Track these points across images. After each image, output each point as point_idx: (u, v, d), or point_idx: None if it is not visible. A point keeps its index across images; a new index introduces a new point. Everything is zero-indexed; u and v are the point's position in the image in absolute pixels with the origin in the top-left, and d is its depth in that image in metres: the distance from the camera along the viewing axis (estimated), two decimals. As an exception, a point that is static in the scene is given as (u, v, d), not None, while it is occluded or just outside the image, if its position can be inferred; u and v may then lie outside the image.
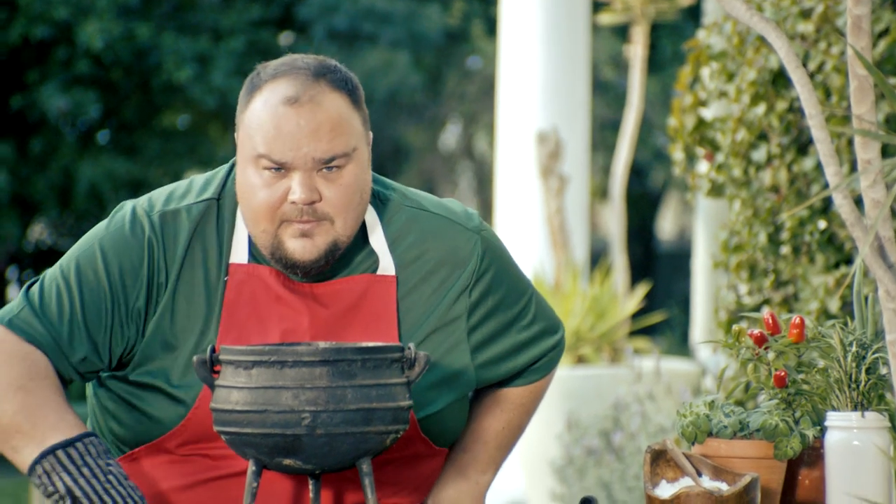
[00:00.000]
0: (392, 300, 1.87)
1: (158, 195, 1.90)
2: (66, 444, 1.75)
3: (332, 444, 1.68)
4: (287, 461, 1.70)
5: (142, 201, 1.89)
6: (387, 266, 1.88)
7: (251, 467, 1.71)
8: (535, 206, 5.90)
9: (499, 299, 1.93)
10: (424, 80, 11.51)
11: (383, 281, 1.87)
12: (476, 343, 1.91)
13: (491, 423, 1.97)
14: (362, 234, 1.89)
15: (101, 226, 1.88)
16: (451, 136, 14.29)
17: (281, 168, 1.82)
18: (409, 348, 1.74)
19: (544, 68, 5.97)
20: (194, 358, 1.74)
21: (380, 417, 1.70)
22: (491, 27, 11.19)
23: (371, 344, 1.74)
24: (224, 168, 1.93)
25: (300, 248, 1.82)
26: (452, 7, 11.66)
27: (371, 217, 1.90)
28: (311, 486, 1.77)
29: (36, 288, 1.85)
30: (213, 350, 1.74)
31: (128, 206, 1.89)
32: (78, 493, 1.72)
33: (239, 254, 1.86)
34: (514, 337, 1.94)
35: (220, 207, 1.88)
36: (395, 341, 1.86)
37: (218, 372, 1.74)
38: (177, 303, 1.84)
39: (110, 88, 9.76)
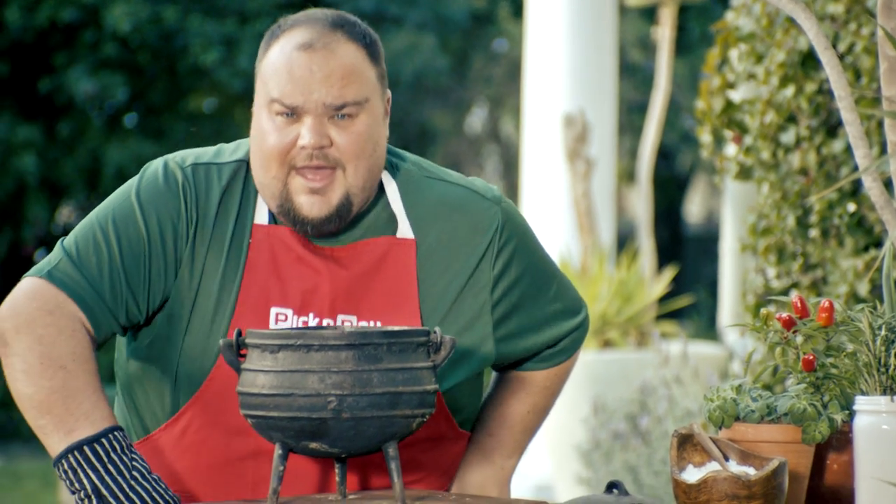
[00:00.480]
0: (412, 264, 1.87)
1: (189, 153, 1.90)
2: (93, 440, 1.75)
3: (358, 427, 1.68)
4: (313, 445, 1.70)
5: (173, 156, 1.89)
6: (405, 230, 1.88)
7: (277, 451, 1.72)
8: (562, 190, 5.89)
9: (521, 271, 1.92)
10: (450, 62, 11.48)
11: (402, 244, 1.87)
12: (498, 317, 1.90)
13: (516, 406, 1.96)
14: (380, 197, 1.89)
15: (132, 181, 1.88)
16: (477, 119, 14.27)
17: (292, 113, 1.82)
18: (434, 332, 1.74)
19: (571, 51, 5.94)
20: (220, 341, 1.74)
21: (406, 401, 1.70)
22: (517, 9, 11.15)
23: (397, 328, 1.74)
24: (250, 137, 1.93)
25: (309, 203, 1.82)
26: (479, -11, 11.62)
27: (389, 182, 1.89)
28: (336, 470, 1.78)
29: (72, 241, 1.83)
30: (240, 333, 1.74)
31: (158, 161, 1.89)
32: (104, 491, 1.73)
33: (261, 215, 1.86)
34: (535, 311, 1.94)
35: (248, 170, 1.88)
36: (415, 306, 1.85)
37: (244, 355, 1.74)
38: (208, 256, 1.84)
39: (137, 72, 9.79)
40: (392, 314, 1.86)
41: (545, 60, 5.98)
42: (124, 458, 1.75)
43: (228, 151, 1.90)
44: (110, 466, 1.74)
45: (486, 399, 1.99)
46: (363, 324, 1.85)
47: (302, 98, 1.82)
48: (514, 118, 13.14)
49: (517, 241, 1.93)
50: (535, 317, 1.94)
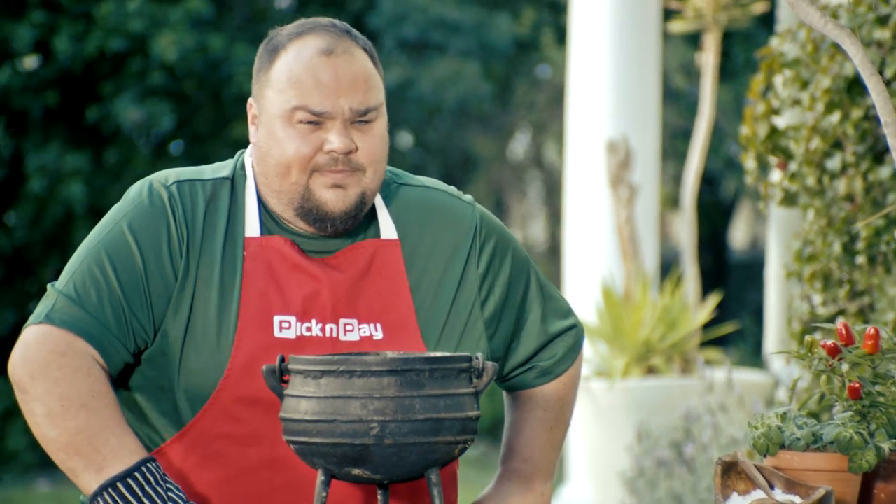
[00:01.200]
0: (399, 264, 1.88)
1: (171, 171, 1.91)
2: (125, 475, 1.75)
3: (400, 454, 1.68)
4: (355, 471, 1.70)
5: (155, 176, 1.90)
6: (388, 231, 1.90)
7: (320, 477, 1.72)
8: (605, 216, 5.87)
9: (503, 268, 1.94)
10: (493, 89, 11.50)
11: (387, 245, 1.89)
12: (488, 316, 1.91)
13: (541, 426, 1.96)
14: None
15: (117, 208, 1.88)
16: (519, 145, 14.27)
17: (316, 121, 1.83)
18: (476, 358, 1.74)
19: (614, 77, 5.94)
20: (263, 367, 1.75)
21: (448, 428, 1.69)
22: (561, 36, 11.16)
23: (439, 354, 1.74)
24: (233, 158, 1.94)
25: (333, 197, 1.83)
26: (522, 16, 11.65)
27: None
28: (379, 497, 1.78)
29: (67, 281, 1.83)
30: (283, 359, 1.75)
31: (141, 183, 1.89)
32: None
33: (251, 228, 1.86)
34: (523, 309, 1.95)
35: (234, 187, 1.88)
36: (410, 306, 1.87)
37: (287, 381, 1.75)
38: (200, 270, 1.84)
39: (183, 100, 9.89)
40: (388, 316, 1.87)
41: (588, 86, 5.98)
42: (159, 489, 1.75)
43: (210, 170, 1.91)
44: (145, 500, 1.74)
45: (508, 427, 1.99)
46: (364, 326, 1.86)
47: (329, 103, 1.83)
48: (556, 144, 13.13)
49: (496, 239, 1.95)
50: (524, 315, 1.95)
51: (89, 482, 1.76)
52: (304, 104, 1.82)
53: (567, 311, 1.99)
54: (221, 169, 1.91)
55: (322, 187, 1.83)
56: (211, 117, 10.15)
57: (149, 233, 1.84)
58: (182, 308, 1.83)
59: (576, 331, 1.99)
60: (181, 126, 10.17)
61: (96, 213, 9.82)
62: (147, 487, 1.75)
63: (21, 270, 9.97)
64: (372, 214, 1.91)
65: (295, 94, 1.83)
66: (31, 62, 9.51)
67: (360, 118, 1.84)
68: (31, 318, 1.82)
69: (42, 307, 1.83)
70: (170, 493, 1.75)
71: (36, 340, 1.79)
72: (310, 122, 1.83)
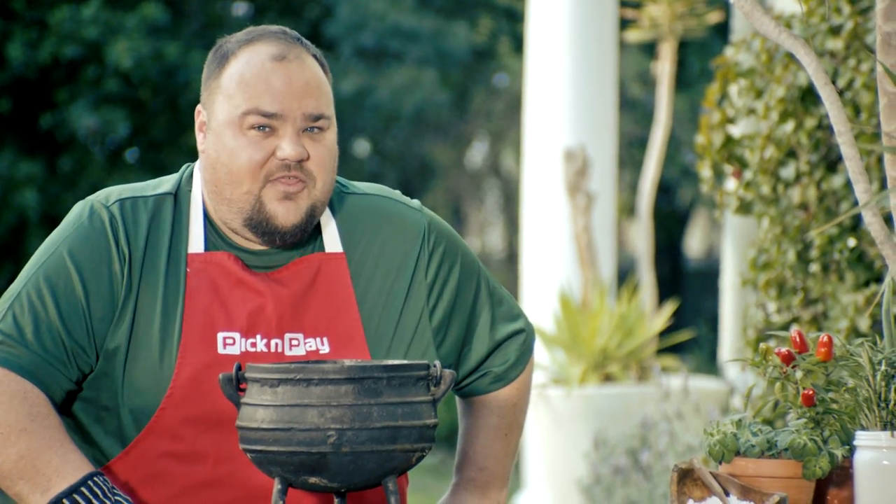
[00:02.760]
0: (345, 277, 1.87)
1: (112, 190, 1.89)
2: (71, 491, 1.73)
3: (357, 462, 1.67)
4: (313, 479, 1.69)
5: (96, 196, 1.88)
6: (333, 244, 1.88)
7: (277, 486, 1.71)
8: (562, 224, 5.89)
9: (451, 274, 1.93)
10: (451, 97, 11.52)
11: (332, 259, 1.87)
12: (436, 324, 1.91)
13: (495, 433, 1.96)
14: None
15: (58, 230, 1.86)
16: (477, 153, 14.29)
17: (266, 127, 1.81)
18: (434, 366, 1.74)
19: (571, 85, 5.96)
20: (220, 375, 1.73)
21: (405, 435, 1.69)
22: (518, 44, 11.20)
23: (397, 362, 1.74)
24: (173, 175, 1.92)
25: (283, 210, 1.82)
26: (480, 24, 11.68)
27: None
28: (336, 505, 1.77)
29: (6, 311, 1.80)
30: (239, 367, 1.74)
31: (82, 205, 1.87)
32: None
33: (195, 244, 1.85)
34: (473, 315, 1.94)
35: (177, 202, 1.87)
36: (356, 319, 1.86)
37: (243, 390, 1.74)
38: (142, 287, 1.82)
39: (139, 107, 9.82)
40: (335, 329, 1.85)
41: (546, 95, 6.00)
42: (107, 501, 1.73)
43: (151, 186, 1.90)
44: None
45: (462, 434, 1.99)
46: (310, 340, 1.84)
47: (281, 107, 1.81)
48: (514, 152, 13.17)
49: (445, 244, 1.94)
50: (474, 320, 1.94)
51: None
52: (255, 106, 1.80)
53: (517, 314, 1.99)
54: (163, 184, 1.89)
55: (273, 199, 1.82)
56: (166, 125, 10.09)
57: (89, 256, 1.82)
58: (123, 327, 1.81)
59: (526, 334, 1.99)
60: (136, 133, 10.10)
61: (50, 221, 9.74)
62: (95, 501, 1.73)
63: (-26, 278, 9.86)
64: (317, 227, 1.89)
65: (245, 97, 1.81)
66: (-16, 68, 9.41)
67: (313, 124, 1.83)
68: None
69: None
70: (117, 499, 1.73)
71: None
72: (261, 128, 1.81)
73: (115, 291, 1.81)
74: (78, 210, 1.86)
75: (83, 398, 1.85)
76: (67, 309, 1.80)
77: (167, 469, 1.82)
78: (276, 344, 1.83)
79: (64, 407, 1.86)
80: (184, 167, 1.93)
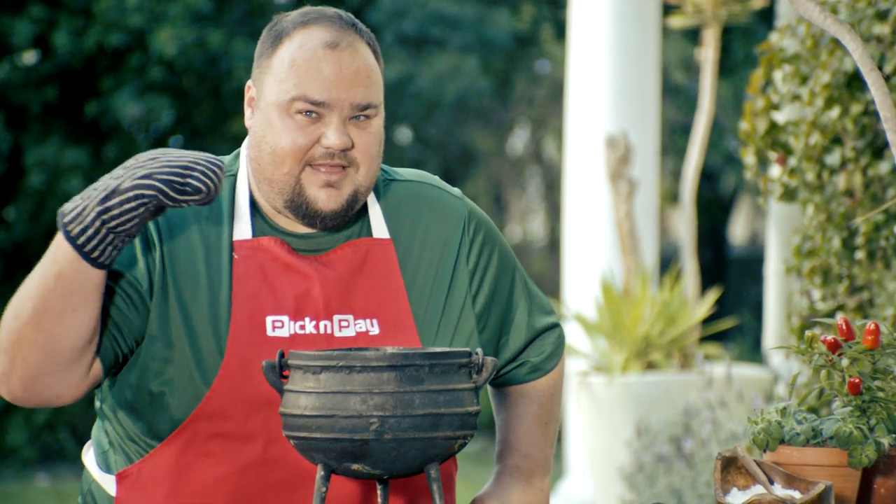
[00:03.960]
0: (393, 262, 1.88)
1: None
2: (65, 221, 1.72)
3: (399, 449, 1.68)
4: (355, 466, 1.70)
5: None
6: (380, 229, 1.89)
7: (320, 472, 1.72)
8: (604, 211, 5.87)
9: (491, 261, 1.94)
10: (493, 84, 11.50)
11: (380, 244, 1.88)
12: (479, 310, 1.92)
13: (537, 423, 1.97)
14: None
15: None
16: (519, 140, 14.27)
17: (313, 113, 1.81)
18: (476, 353, 1.74)
19: (614, 72, 5.94)
20: (263, 363, 1.74)
21: (447, 423, 1.69)
22: (560, 31, 11.16)
23: (439, 349, 1.74)
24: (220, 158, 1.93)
25: (325, 196, 1.83)
26: (522, 11, 11.64)
27: None
28: (379, 492, 1.78)
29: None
30: (282, 354, 1.75)
31: None
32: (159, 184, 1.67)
33: (242, 231, 1.85)
34: (510, 304, 1.95)
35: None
36: (406, 303, 1.86)
37: (286, 377, 1.75)
38: (180, 284, 1.82)
39: (182, 95, 9.88)
40: (384, 313, 1.86)
41: (588, 81, 5.98)
42: (120, 170, 1.73)
43: None
44: (112, 179, 1.71)
45: (502, 424, 1.99)
46: (360, 322, 1.85)
47: (329, 96, 1.81)
48: (556, 139, 13.13)
49: (485, 232, 1.95)
50: (511, 310, 1.96)
51: (54, 251, 1.72)
52: (303, 94, 1.81)
53: (550, 310, 2.01)
54: None
55: (314, 185, 1.83)
56: (210, 112, 10.15)
57: (122, 264, 1.82)
58: (168, 313, 1.82)
59: (560, 329, 2.01)
60: (180, 121, 10.17)
61: (95, 209, 9.82)
62: (81, 201, 1.70)
63: (20, 265, 9.97)
64: (363, 211, 1.90)
65: (295, 83, 1.81)
66: (30, 57, 9.50)
67: (360, 113, 1.83)
68: None
69: None
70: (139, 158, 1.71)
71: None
72: (308, 114, 1.82)
73: (151, 271, 1.82)
74: None
75: (132, 383, 1.86)
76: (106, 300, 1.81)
77: (217, 449, 1.83)
78: (325, 325, 1.84)
79: (115, 391, 1.88)
80: (233, 154, 1.93)
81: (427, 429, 1.68)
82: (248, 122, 1.89)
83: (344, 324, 1.84)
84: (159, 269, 1.83)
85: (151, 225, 1.84)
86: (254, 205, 1.88)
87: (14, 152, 9.55)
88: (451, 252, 1.91)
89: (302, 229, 1.88)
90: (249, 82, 1.89)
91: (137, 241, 1.83)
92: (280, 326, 1.83)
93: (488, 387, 2.01)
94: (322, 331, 1.84)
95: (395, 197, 1.92)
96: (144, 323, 1.82)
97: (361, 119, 1.84)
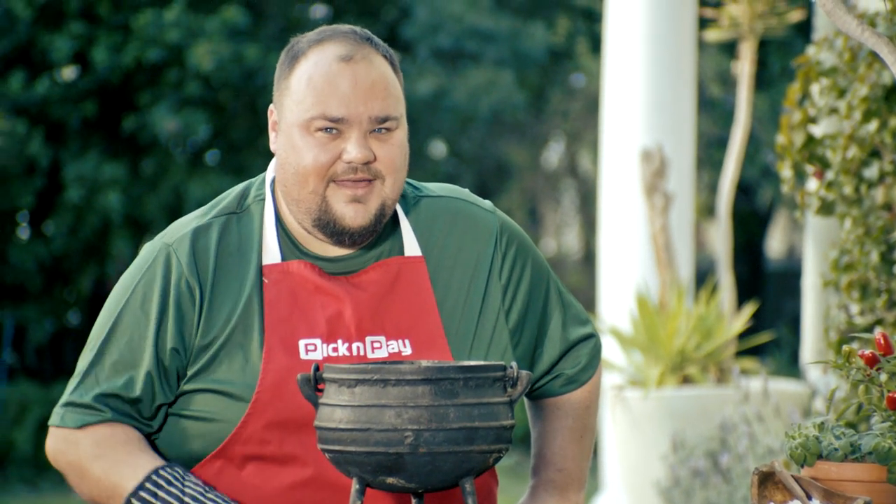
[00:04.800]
0: (425, 280, 1.87)
1: (176, 225, 1.91)
2: (138, 489, 1.78)
3: (434, 462, 1.68)
4: (390, 480, 1.70)
5: (164, 235, 1.90)
6: (412, 247, 1.88)
7: (354, 486, 1.72)
8: (640, 225, 5.85)
9: (524, 275, 1.93)
10: (528, 98, 11.50)
11: (412, 262, 1.88)
12: (512, 325, 1.91)
13: (572, 436, 1.96)
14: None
15: (129, 274, 1.89)
16: (554, 154, 14.26)
17: (334, 129, 1.81)
18: (511, 367, 1.73)
19: (649, 85, 5.92)
20: (299, 376, 1.75)
21: (482, 437, 1.69)
22: (596, 45, 11.15)
23: (474, 363, 1.74)
24: (243, 183, 1.94)
25: (351, 213, 1.82)
26: (557, 25, 11.64)
27: None
28: (413, 505, 1.78)
29: (88, 367, 1.85)
30: (317, 368, 1.75)
31: (150, 245, 1.90)
32: None
33: (270, 255, 1.86)
34: (545, 316, 1.94)
35: (242, 217, 1.88)
36: (437, 321, 1.86)
37: (322, 390, 1.75)
38: (216, 311, 1.84)
39: (219, 109, 9.94)
40: (417, 331, 1.86)
41: (623, 95, 5.97)
42: (173, 489, 1.77)
43: (208, 208, 1.91)
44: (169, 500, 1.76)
45: (537, 437, 1.98)
46: (392, 343, 1.85)
47: (347, 110, 1.81)
48: (591, 153, 13.11)
49: (517, 245, 1.94)
50: (546, 323, 1.94)
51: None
52: (322, 112, 1.81)
53: (585, 320, 1.99)
54: (225, 200, 1.91)
55: (340, 201, 1.83)
56: (246, 127, 10.20)
57: (159, 299, 1.85)
58: (206, 348, 1.84)
59: (595, 339, 1.99)
60: (217, 136, 10.23)
61: (133, 223, 9.91)
62: (160, 492, 1.77)
63: (59, 279, 10.05)
64: (394, 229, 1.90)
65: (313, 101, 1.82)
66: (69, 73, 9.59)
67: (380, 126, 1.83)
68: (53, 415, 1.87)
69: (62, 401, 1.87)
70: (186, 489, 1.76)
71: (54, 450, 1.87)
72: (328, 130, 1.82)
73: (190, 322, 1.84)
74: (147, 252, 1.89)
75: (168, 412, 1.88)
76: (138, 364, 1.84)
77: (256, 472, 1.84)
78: (358, 347, 1.84)
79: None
80: (260, 177, 1.94)
81: (462, 442, 1.68)
82: (272, 146, 1.90)
83: (376, 345, 1.84)
84: (203, 316, 1.85)
85: (195, 273, 1.85)
86: (283, 229, 1.88)
87: (53, 167, 9.64)
88: (483, 267, 1.90)
89: (332, 252, 1.87)
90: (271, 106, 1.90)
91: (178, 303, 1.84)
92: (313, 350, 1.83)
93: (525, 399, 2.00)
94: (355, 353, 1.84)
95: (426, 213, 1.91)
96: (186, 363, 1.85)
97: (382, 132, 1.83)
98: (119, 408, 1.84)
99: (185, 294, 1.84)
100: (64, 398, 1.87)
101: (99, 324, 1.88)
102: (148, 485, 1.77)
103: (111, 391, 1.84)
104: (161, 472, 1.78)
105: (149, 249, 1.90)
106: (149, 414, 1.85)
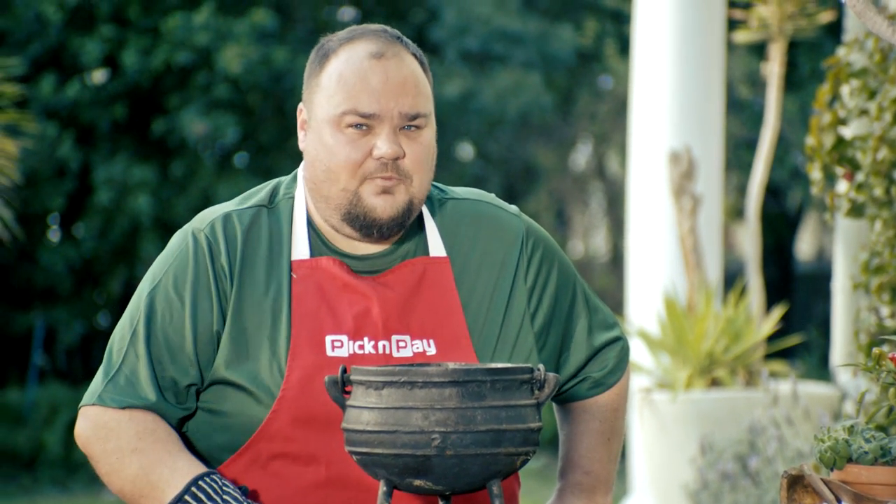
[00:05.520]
0: (450, 281, 1.87)
1: (208, 213, 1.91)
2: (178, 499, 1.77)
3: (462, 465, 1.68)
4: (417, 482, 1.70)
5: (193, 222, 1.91)
6: (437, 248, 1.89)
7: (382, 488, 1.72)
8: (668, 227, 5.83)
9: (550, 278, 1.93)
10: (556, 100, 11.49)
11: (437, 263, 1.88)
12: (538, 329, 1.90)
13: (599, 439, 1.95)
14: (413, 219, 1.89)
15: (161, 259, 1.89)
16: (581, 156, 14.23)
17: (364, 125, 1.82)
18: (538, 369, 1.73)
19: (677, 87, 5.90)
20: (326, 378, 1.75)
21: (510, 439, 1.69)
22: (624, 46, 11.12)
23: (501, 365, 1.74)
24: (273, 180, 1.95)
25: (381, 204, 1.83)
26: (585, 27, 11.62)
27: None
28: (441, 507, 1.77)
29: (118, 348, 1.85)
30: (345, 370, 1.75)
31: (181, 232, 1.90)
32: None
33: (300, 251, 1.86)
34: (570, 321, 1.94)
35: (272, 212, 1.89)
36: (462, 322, 1.86)
37: (349, 392, 1.75)
38: (245, 301, 1.84)
39: (247, 112, 9.98)
40: (441, 332, 1.86)
41: (651, 97, 5.95)
42: (215, 498, 1.76)
43: (246, 198, 1.92)
44: None
45: (564, 440, 1.98)
46: (417, 342, 1.86)
47: (378, 106, 1.82)
48: (619, 155, 13.08)
49: (543, 249, 1.94)
50: (571, 327, 1.94)
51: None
52: (353, 107, 1.82)
53: (612, 323, 1.98)
54: (257, 194, 1.92)
55: (370, 194, 1.83)
56: (275, 129, 10.23)
57: (192, 285, 1.85)
58: (234, 338, 1.84)
59: (623, 342, 1.99)
60: (245, 138, 10.26)
61: (162, 225, 9.96)
62: (205, 502, 1.76)
63: (89, 281, 10.11)
64: (420, 230, 1.90)
65: (344, 97, 1.82)
66: (99, 76, 9.65)
67: (409, 123, 1.84)
68: (87, 394, 1.86)
69: (95, 384, 1.86)
70: (225, 499, 1.76)
71: (86, 428, 1.85)
72: (358, 127, 1.83)
73: (223, 309, 1.85)
74: (178, 239, 1.90)
75: (199, 406, 1.89)
76: (175, 347, 1.85)
77: (280, 471, 1.84)
78: (384, 346, 1.84)
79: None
80: (290, 175, 1.95)
81: (489, 445, 1.68)
82: (301, 145, 1.90)
83: (402, 344, 1.85)
84: (231, 301, 1.85)
85: (225, 256, 1.85)
86: (312, 226, 1.89)
87: (83, 170, 9.70)
88: (508, 271, 1.90)
89: (360, 250, 1.88)
90: (301, 105, 1.91)
91: (212, 285, 1.85)
92: (339, 346, 1.84)
93: (553, 402, 2.00)
94: (381, 351, 1.85)
95: (452, 215, 1.92)
96: (216, 353, 1.85)
97: (412, 130, 1.84)
98: (159, 390, 1.83)
99: (219, 274, 1.85)
100: (99, 378, 1.85)
101: (132, 309, 1.88)
102: (188, 497, 1.77)
103: (151, 372, 1.84)
104: (201, 483, 1.78)
105: (179, 237, 1.90)
106: (184, 399, 1.85)
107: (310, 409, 1.82)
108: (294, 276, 1.85)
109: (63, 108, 9.44)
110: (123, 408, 1.82)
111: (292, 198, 1.91)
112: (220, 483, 1.78)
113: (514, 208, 1.96)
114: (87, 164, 9.68)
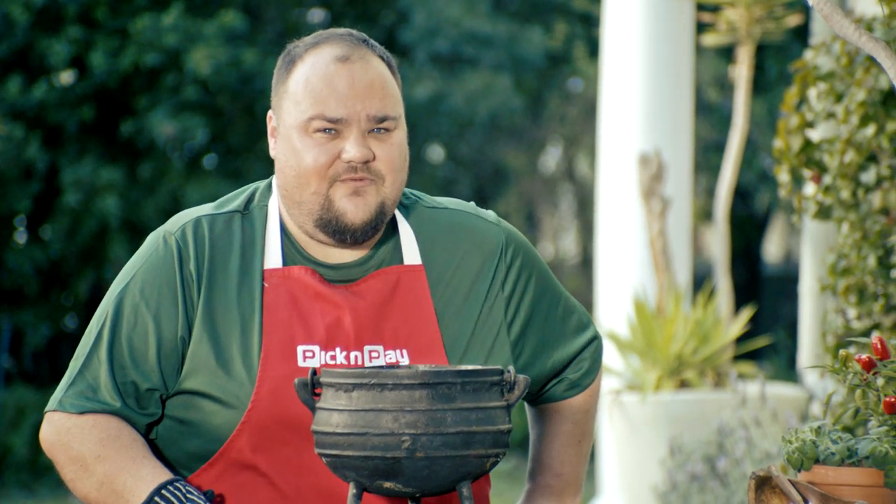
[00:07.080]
0: (425, 290, 1.87)
1: (181, 216, 1.91)
2: None
3: (431, 467, 1.68)
4: (387, 484, 1.70)
5: (169, 226, 1.90)
6: (412, 256, 1.88)
7: (352, 490, 1.72)
8: (637, 229, 5.85)
9: (529, 287, 1.93)
10: (525, 102, 11.50)
11: (411, 271, 1.88)
12: (514, 337, 1.90)
13: (570, 439, 1.96)
14: (387, 225, 1.89)
15: (132, 261, 1.89)
16: (551, 158, 14.26)
17: (332, 130, 1.81)
18: (508, 371, 1.73)
19: (647, 90, 5.93)
20: (296, 380, 1.75)
21: (480, 441, 1.69)
22: (593, 49, 11.15)
23: (471, 367, 1.74)
24: (251, 185, 1.94)
25: (352, 208, 1.82)
26: (555, 29, 11.65)
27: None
28: (411, 509, 1.77)
29: (87, 355, 1.84)
30: (314, 372, 1.75)
31: (154, 234, 1.90)
32: None
33: (272, 259, 1.86)
34: (548, 328, 1.94)
35: (247, 218, 1.88)
36: (436, 331, 1.86)
37: (318, 394, 1.75)
38: (215, 308, 1.83)
39: (217, 114, 9.94)
40: (415, 341, 1.86)
41: (621, 99, 5.97)
42: None
43: (217, 205, 1.91)
44: None
45: (535, 441, 1.98)
46: (389, 353, 1.85)
47: (345, 110, 1.81)
48: (588, 157, 13.11)
49: (522, 258, 1.93)
50: (549, 333, 1.94)
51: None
52: (320, 112, 1.81)
53: (587, 323, 1.99)
54: (232, 201, 1.91)
55: (341, 196, 1.82)
56: (244, 131, 10.20)
57: (159, 289, 1.85)
58: (201, 346, 1.83)
59: (597, 342, 1.99)
60: (214, 140, 10.22)
61: (131, 227, 9.91)
62: None
63: (56, 283, 10.04)
64: (394, 237, 1.89)
65: (311, 102, 1.82)
66: (66, 77, 9.59)
67: (378, 126, 1.83)
68: (51, 401, 1.85)
69: (60, 388, 1.85)
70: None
71: (49, 434, 1.84)
72: (326, 131, 1.82)
73: (189, 316, 1.84)
74: (150, 241, 1.89)
75: (163, 416, 1.87)
76: (138, 352, 1.84)
77: (251, 480, 1.83)
78: (356, 356, 1.84)
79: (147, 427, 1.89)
80: (254, 184, 1.94)
81: (459, 447, 1.68)
82: (272, 152, 1.90)
83: (374, 355, 1.84)
84: (199, 307, 1.84)
85: (193, 261, 1.85)
86: (286, 234, 1.88)
87: (50, 171, 9.64)
88: (486, 280, 1.89)
89: (334, 258, 1.87)
90: (270, 112, 1.90)
91: (179, 291, 1.84)
92: (311, 357, 1.83)
93: (525, 404, 2.00)
94: (353, 361, 1.84)
95: (429, 224, 1.91)
96: (181, 360, 1.84)
97: (381, 132, 1.83)
98: (120, 396, 1.82)
99: (187, 280, 1.84)
100: (63, 383, 1.84)
101: (99, 312, 1.87)
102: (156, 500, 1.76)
103: (112, 378, 1.83)
104: (164, 492, 1.76)
105: (152, 238, 1.89)
106: (147, 404, 1.84)
107: (281, 419, 1.82)
108: (266, 284, 1.84)
109: (30, 109, 9.37)
110: (85, 412, 1.81)
111: (266, 206, 1.90)
112: (183, 491, 1.77)
113: (493, 216, 1.95)
114: (55, 165, 9.62)
